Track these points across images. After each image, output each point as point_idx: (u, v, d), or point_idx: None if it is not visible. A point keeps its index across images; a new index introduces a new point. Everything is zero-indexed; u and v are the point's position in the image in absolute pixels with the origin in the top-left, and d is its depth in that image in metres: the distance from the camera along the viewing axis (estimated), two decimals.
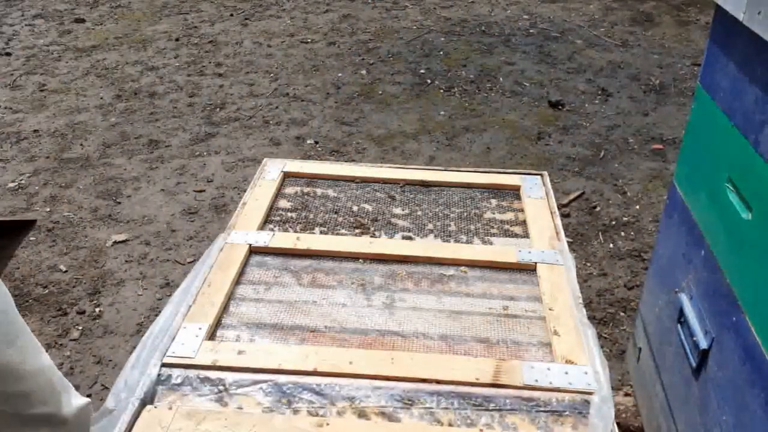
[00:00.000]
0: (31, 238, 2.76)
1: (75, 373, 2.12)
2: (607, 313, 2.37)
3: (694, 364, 1.36)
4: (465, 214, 1.63)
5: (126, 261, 2.64)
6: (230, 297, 1.34)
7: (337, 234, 1.55)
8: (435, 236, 1.55)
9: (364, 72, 4.39)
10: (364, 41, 4.89)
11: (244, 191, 1.75)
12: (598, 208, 2.97)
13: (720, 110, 1.33)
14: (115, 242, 2.75)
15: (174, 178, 3.23)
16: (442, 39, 4.92)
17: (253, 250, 1.47)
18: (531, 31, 5.07)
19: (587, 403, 1.09)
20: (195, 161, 3.37)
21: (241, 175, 3.24)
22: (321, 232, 1.56)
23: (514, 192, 1.72)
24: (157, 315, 2.32)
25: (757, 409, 1.10)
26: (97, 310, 2.38)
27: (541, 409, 1.09)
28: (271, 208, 1.64)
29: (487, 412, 1.08)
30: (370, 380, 1.12)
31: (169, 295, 2.43)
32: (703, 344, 1.32)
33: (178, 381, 1.13)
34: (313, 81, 4.26)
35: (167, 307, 1.28)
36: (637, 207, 2.98)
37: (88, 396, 2.04)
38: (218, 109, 3.91)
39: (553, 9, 5.53)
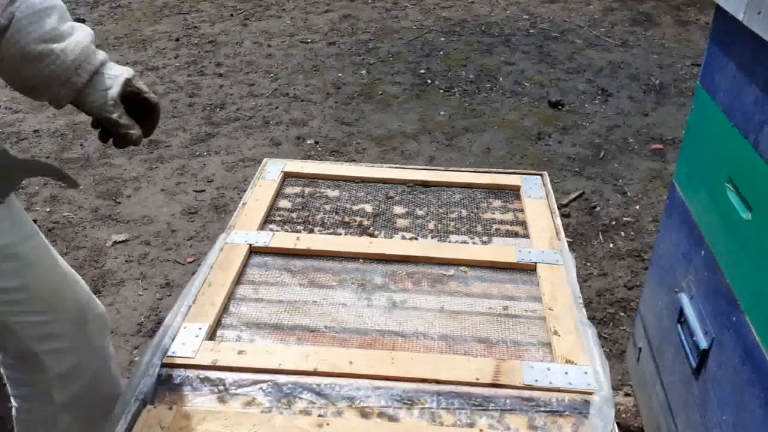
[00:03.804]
0: None
1: None
2: (607, 313, 2.37)
3: (694, 364, 1.36)
4: (465, 214, 1.63)
5: (126, 261, 2.64)
6: (230, 297, 1.34)
7: (337, 234, 1.55)
8: (435, 236, 1.55)
9: (364, 72, 4.39)
10: (364, 41, 4.89)
11: (244, 191, 1.75)
12: (598, 208, 2.97)
13: (720, 110, 1.33)
14: (115, 242, 2.75)
15: (174, 178, 3.23)
16: (442, 39, 4.92)
17: (254, 250, 1.47)
18: (531, 31, 5.07)
19: (587, 403, 1.09)
20: (195, 161, 3.37)
21: (241, 175, 3.24)
22: (321, 232, 1.56)
23: (514, 192, 1.72)
24: (157, 315, 2.33)
25: (757, 409, 1.10)
26: None
27: (541, 409, 1.08)
28: (271, 208, 1.64)
29: (487, 413, 1.08)
30: (370, 380, 1.12)
31: (170, 295, 2.44)
32: (703, 344, 1.32)
33: (178, 381, 1.13)
34: (313, 81, 4.26)
35: (171, 311, 1.28)
36: (637, 207, 2.98)
37: None
38: (218, 109, 3.91)
39: (553, 9, 5.53)
